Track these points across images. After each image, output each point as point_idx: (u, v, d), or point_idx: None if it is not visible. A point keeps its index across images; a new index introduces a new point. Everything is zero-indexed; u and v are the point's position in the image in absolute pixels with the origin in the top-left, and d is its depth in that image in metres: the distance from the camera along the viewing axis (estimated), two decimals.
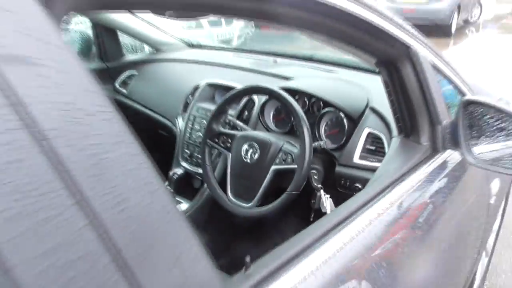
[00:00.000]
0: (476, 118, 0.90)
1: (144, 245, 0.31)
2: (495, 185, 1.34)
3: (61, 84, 0.29)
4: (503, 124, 0.88)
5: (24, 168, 0.26)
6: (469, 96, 1.00)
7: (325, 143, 1.24)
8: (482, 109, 0.89)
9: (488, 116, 0.89)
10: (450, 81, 1.10)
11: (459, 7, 8.09)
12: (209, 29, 5.67)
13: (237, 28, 6.37)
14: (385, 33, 0.78)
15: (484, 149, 0.90)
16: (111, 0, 0.50)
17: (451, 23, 7.85)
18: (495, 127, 0.89)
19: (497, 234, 1.77)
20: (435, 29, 7.31)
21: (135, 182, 0.32)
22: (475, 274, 1.47)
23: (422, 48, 0.90)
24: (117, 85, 1.99)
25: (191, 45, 2.17)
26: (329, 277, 0.54)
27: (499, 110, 0.88)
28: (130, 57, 2.09)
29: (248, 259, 0.50)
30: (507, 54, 6.47)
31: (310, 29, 0.74)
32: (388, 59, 0.88)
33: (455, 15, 8.03)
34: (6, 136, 0.26)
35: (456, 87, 1.12)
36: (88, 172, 0.29)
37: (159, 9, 0.60)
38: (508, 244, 2.12)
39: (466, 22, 9.56)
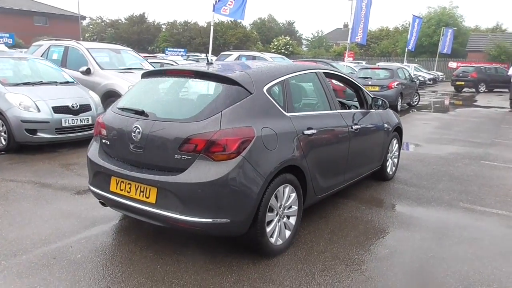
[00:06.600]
0: (375, 101, 4.41)
1: None
2: (387, 119, 4.77)
3: None
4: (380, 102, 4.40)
5: None
6: (372, 97, 4.51)
7: None
8: (376, 98, 4.41)
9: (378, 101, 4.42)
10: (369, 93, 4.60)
11: (401, 94, 12.17)
12: None
13: None
14: (352, 82, 4.30)
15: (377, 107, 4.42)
16: None
17: (396, 104, 11.83)
18: (379, 102, 4.40)
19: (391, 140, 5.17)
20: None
21: None
22: (385, 156, 4.82)
23: (363, 89, 4.41)
24: None
25: None
26: None
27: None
28: None
29: None
30: (428, 122, 10.40)
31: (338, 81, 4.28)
32: (354, 88, 4.39)
33: (399, 99, 12.07)
34: None
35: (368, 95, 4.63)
36: None
37: None
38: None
39: (409, 105, 13.73)
